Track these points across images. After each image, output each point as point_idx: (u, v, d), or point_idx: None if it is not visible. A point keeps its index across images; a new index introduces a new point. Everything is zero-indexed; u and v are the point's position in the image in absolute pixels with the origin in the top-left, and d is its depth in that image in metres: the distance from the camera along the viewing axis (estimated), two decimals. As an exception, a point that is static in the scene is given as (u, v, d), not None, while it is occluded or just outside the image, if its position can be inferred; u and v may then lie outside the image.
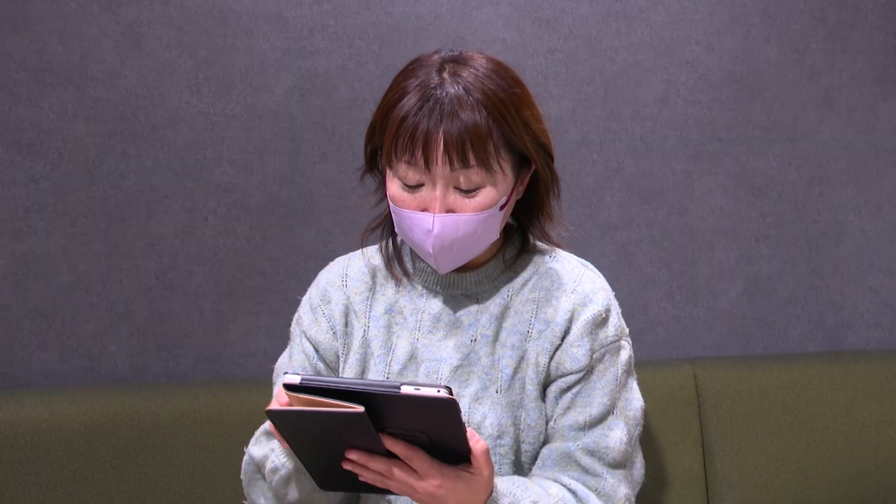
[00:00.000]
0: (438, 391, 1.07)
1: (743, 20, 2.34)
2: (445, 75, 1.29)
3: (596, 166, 2.29)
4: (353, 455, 1.16)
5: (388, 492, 1.21)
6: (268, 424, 1.39)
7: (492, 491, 1.22)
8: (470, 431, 1.18)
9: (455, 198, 1.29)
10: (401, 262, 1.42)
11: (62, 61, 2.03)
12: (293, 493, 1.33)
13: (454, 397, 1.08)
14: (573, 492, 1.32)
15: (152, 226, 2.08)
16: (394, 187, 1.31)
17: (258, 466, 1.38)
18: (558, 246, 1.44)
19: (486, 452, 1.19)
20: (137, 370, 2.09)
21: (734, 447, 2.12)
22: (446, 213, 1.28)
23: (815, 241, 2.41)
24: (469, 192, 1.29)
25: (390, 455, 1.16)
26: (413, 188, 1.29)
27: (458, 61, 1.32)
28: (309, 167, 2.15)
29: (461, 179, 1.28)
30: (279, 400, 1.17)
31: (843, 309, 2.43)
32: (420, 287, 1.41)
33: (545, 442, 1.36)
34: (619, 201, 2.30)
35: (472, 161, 1.27)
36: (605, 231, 2.30)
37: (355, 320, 1.41)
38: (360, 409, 1.08)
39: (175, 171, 2.09)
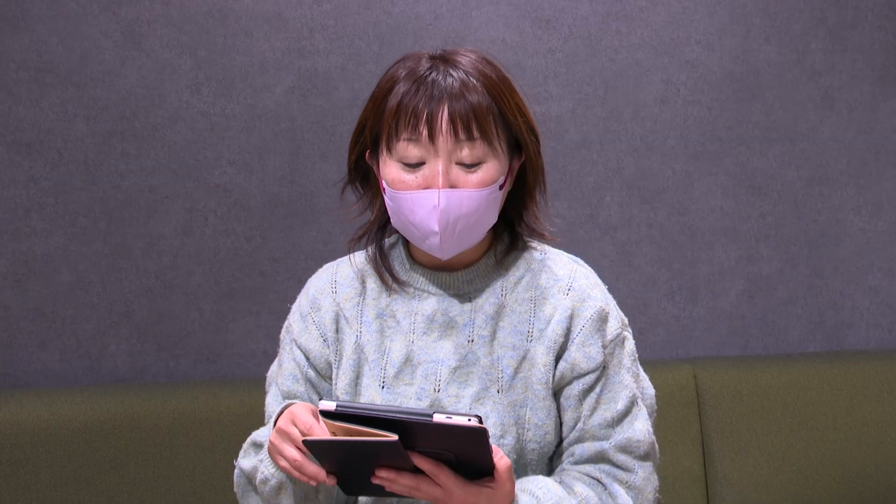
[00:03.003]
0: (469, 420, 1.12)
1: (743, 20, 2.34)
2: (438, 64, 1.30)
3: (596, 166, 2.29)
4: (382, 473, 1.21)
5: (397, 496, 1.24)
6: (255, 435, 1.39)
7: (513, 501, 1.25)
8: (494, 448, 1.22)
9: (457, 173, 1.30)
10: (389, 267, 1.42)
11: (62, 61, 2.03)
12: (285, 502, 1.33)
13: (483, 426, 1.13)
14: (603, 484, 1.34)
15: (152, 226, 2.08)
16: (392, 171, 1.31)
17: (248, 478, 1.38)
18: (543, 237, 1.44)
19: (510, 469, 1.23)
20: (137, 370, 2.09)
21: (734, 447, 2.12)
22: (451, 189, 1.29)
23: (815, 241, 2.41)
24: (471, 166, 1.30)
25: (417, 470, 1.19)
26: (413, 167, 1.29)
27: (445, 54, 1.33)
28: (309, 167, 2.15)
29: (464, 153, 1.29)
30: (309, 428, 1.20)
31: (843, 309, 2.43)
32: (412, 289, 1.40)
33: (573, 442, 1.37)
34: (619, 201, 2.30)
35: (476, 133, 1.28)
36: (605, 231, 2.30)
37: (346, 326, 1.41)
38: (395, 437, 1.13)
39: (175, 171, 2.09)
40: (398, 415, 1.12)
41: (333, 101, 2.15)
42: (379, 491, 1.24)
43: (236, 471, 1.41)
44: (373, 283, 1.43)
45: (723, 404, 2.13)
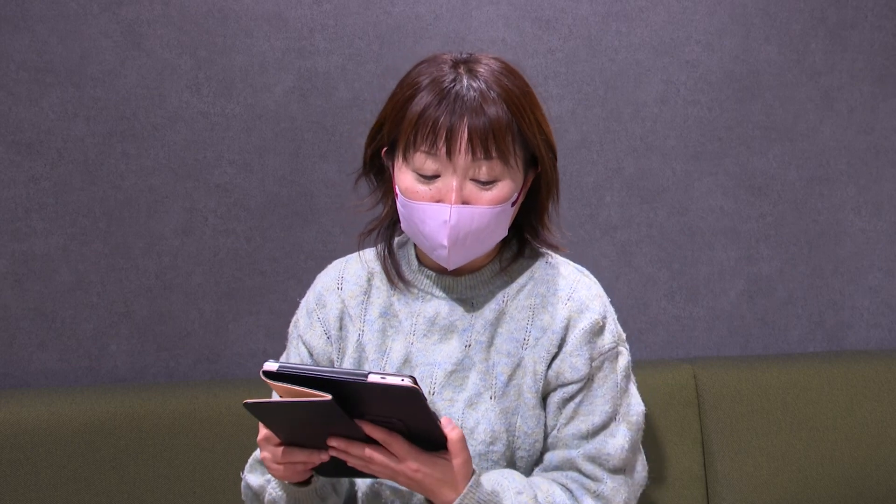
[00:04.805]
0: (402, 380, 1.13)
1: (743, 20, 2.34)
2: (461, 71, 1.30)
3: (596, 166, 2.29)
4: (333, 442, 1.20)
5: (376, 477, 1.25)
6: (259, 452, 1.40)
7: (472, 475, 1.24)
8: (446, 419, 1.22)
9: (471, 189, 1.29)
10: (397, 265, 1.42)
11: (62, 61, 2.03)
12: None
13: (417, 386, 1.13)
14: (569, 490, 1.33)
15: (152, 226, 2.08)
16: (406, 179, 1.30)
17: (256, 494, 1.39)
18: (555, 248, 1.44)
19: (462, 440, 1.23)
20: (137, 370, 2.09)
21: (734, 447, 2.12)
22: (463, 205, 1.28)
23: (815, 241, 2.41)
24: (486, 184, 1.29)
25: (371, 441, 1.19)
26: (428, 179, 1.29)
27: (470, 61, 1.32)
28: (309, 167, 2.15)
29: (482, 170, 1.28)
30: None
31: (843, 309, 2.43)
32: (416, 290, 1.41)
33: (547, 450, 1.37)
34: (619, 201, 2.30)
35: (494, 153, 1.28)
36: (605, 231, 2.30)
37: (350, 324, 1.41)
38: (328, 396, 1.14)
39: (175, 171, 2.09)
40: (334, 374, 1.14)
41: (333, 101, 2.15)
42: (347, 471, 1.25)
43: (243, 483, 1.42)
44: (379, 282, 1.43)
45: (723, 404, 2.14)
